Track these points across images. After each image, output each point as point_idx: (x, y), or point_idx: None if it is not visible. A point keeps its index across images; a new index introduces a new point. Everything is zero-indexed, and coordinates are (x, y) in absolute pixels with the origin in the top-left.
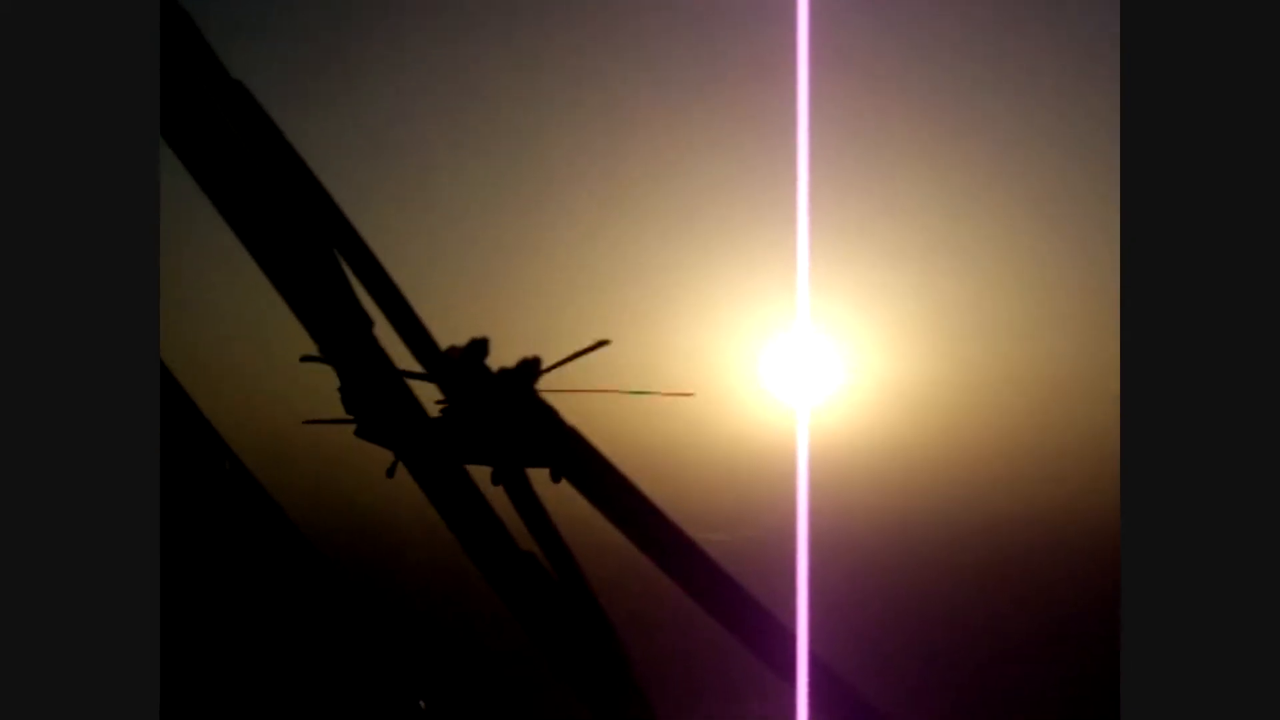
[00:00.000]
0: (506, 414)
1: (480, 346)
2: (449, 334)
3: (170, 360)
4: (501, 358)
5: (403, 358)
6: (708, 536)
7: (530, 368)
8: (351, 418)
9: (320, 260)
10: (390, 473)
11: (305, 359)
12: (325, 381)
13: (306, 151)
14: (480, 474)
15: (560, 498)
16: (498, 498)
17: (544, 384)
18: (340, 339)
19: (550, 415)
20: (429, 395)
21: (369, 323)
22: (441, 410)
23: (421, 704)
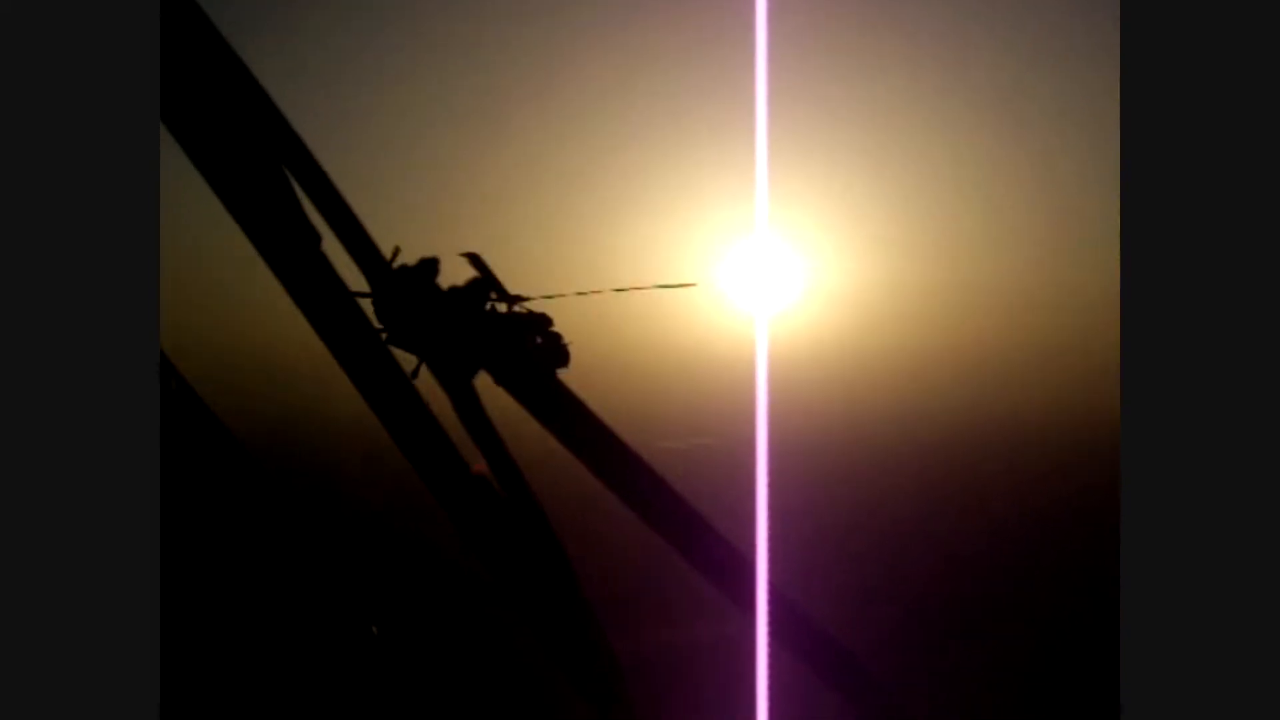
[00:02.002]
0: (455, 333)
1: (430, 265)
2: (406, 241)
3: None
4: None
5: (353, 273)
6: (661, 444)
7: (481, 286)
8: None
9: (268, 175)
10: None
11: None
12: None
13: (257, 65)
14: (435, 402)
15: (522, 428)
16: (453, 425)
17: (547, 290)
18: (288, 253)
19: (507, 336)
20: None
21: (317, 238)
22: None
23: (374, 629)
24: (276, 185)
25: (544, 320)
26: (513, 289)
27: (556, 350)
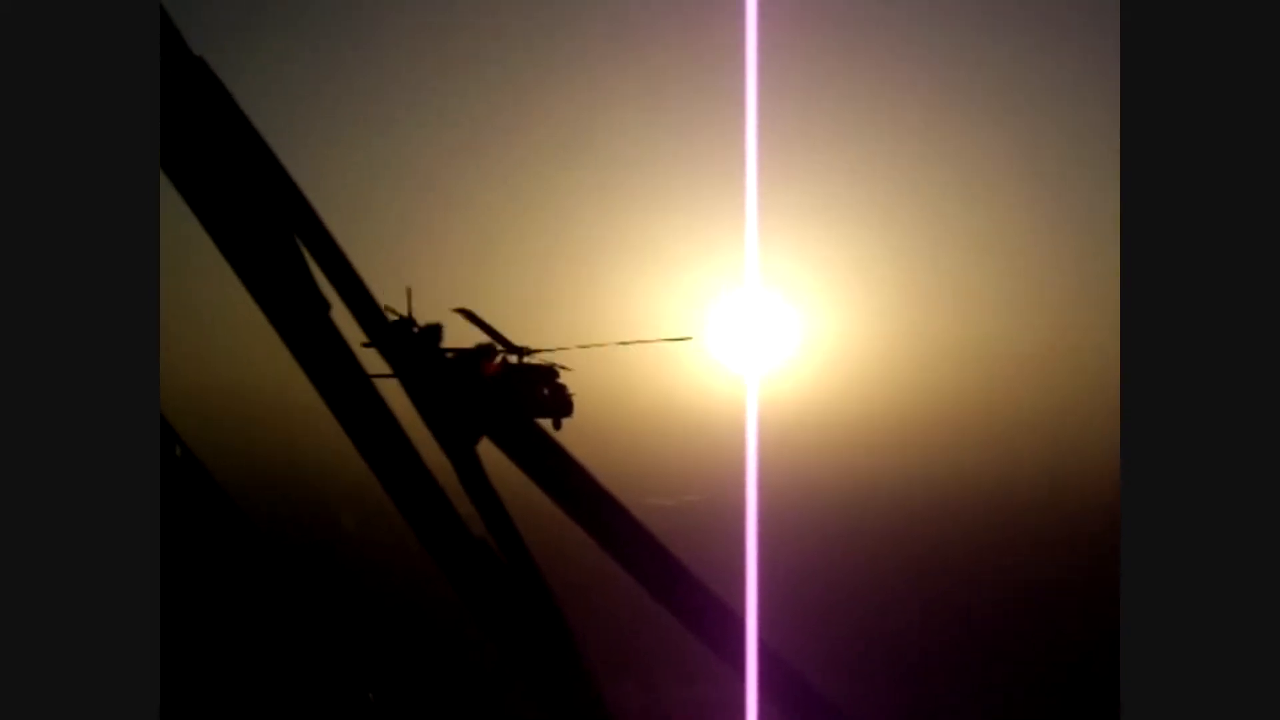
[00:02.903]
0: (459, 396)
1: (434, 332)
2: (398, 283)
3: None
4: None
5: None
6: (650, 501)
7: (483, 353)
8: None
9: (279, 244)
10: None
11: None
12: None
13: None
14: (435, 462)
15: (517, 490)
16: (451, 486)
17: (544, 344)
18: (297, 321)
19: (504, 400)
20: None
21: (326, 305)
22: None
23: (370, 696)
24: (287, 254)
25: (552, 373)
26: (505, 337)
27: (563, 401)
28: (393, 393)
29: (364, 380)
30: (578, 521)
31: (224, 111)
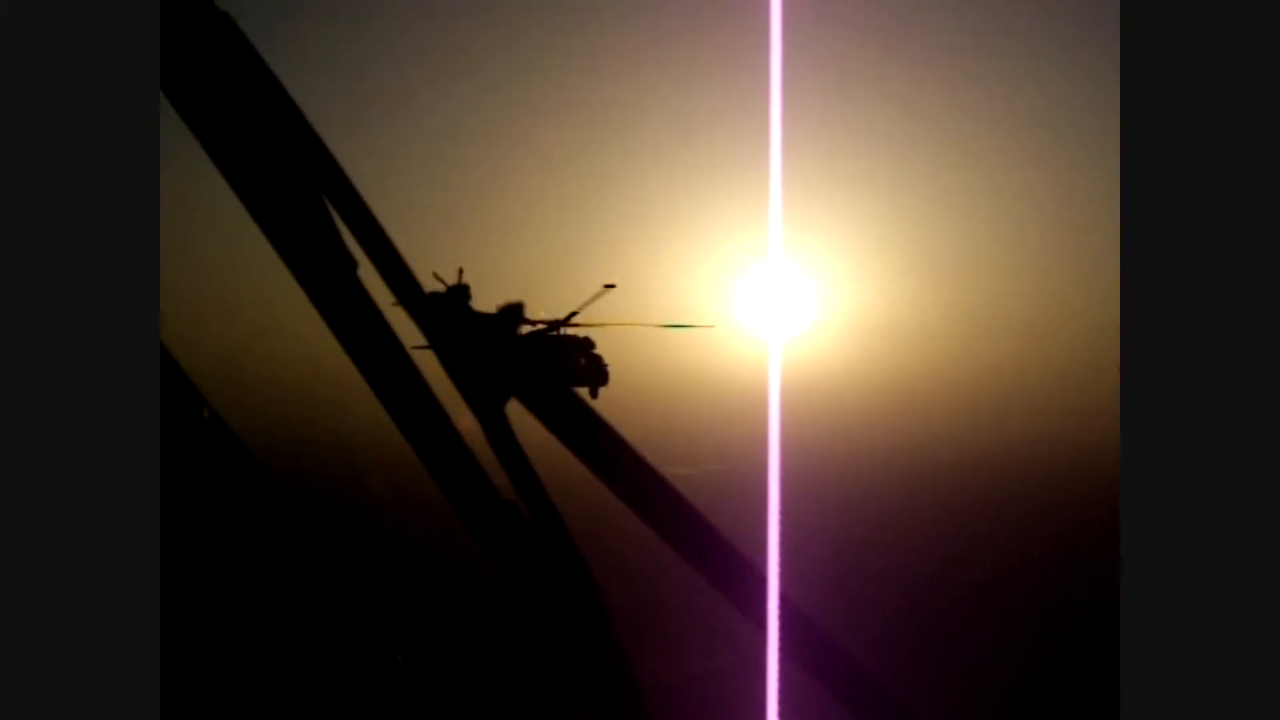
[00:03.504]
0: (489, 357)
1: (462, 292)
2: (432, 265)
3: (166, 334)
4: (488, 293)
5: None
6: (672, 470)
7: (513, 313)
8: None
9: (307, 203)
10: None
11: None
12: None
13: (288, 79)
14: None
15: (543, 449)
16: (482, 451)
17: (572, 321)
18: (325, 280)
19: (533, 357)
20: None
21: (354, 264)
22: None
23: (399, 659)
24: (315, 213)
25: (588, 343)
26: (528, 307)
27: (599, 370)
28: (422, 354)
29: (392, 340)
30: (607, 484)
31: (251, 68)
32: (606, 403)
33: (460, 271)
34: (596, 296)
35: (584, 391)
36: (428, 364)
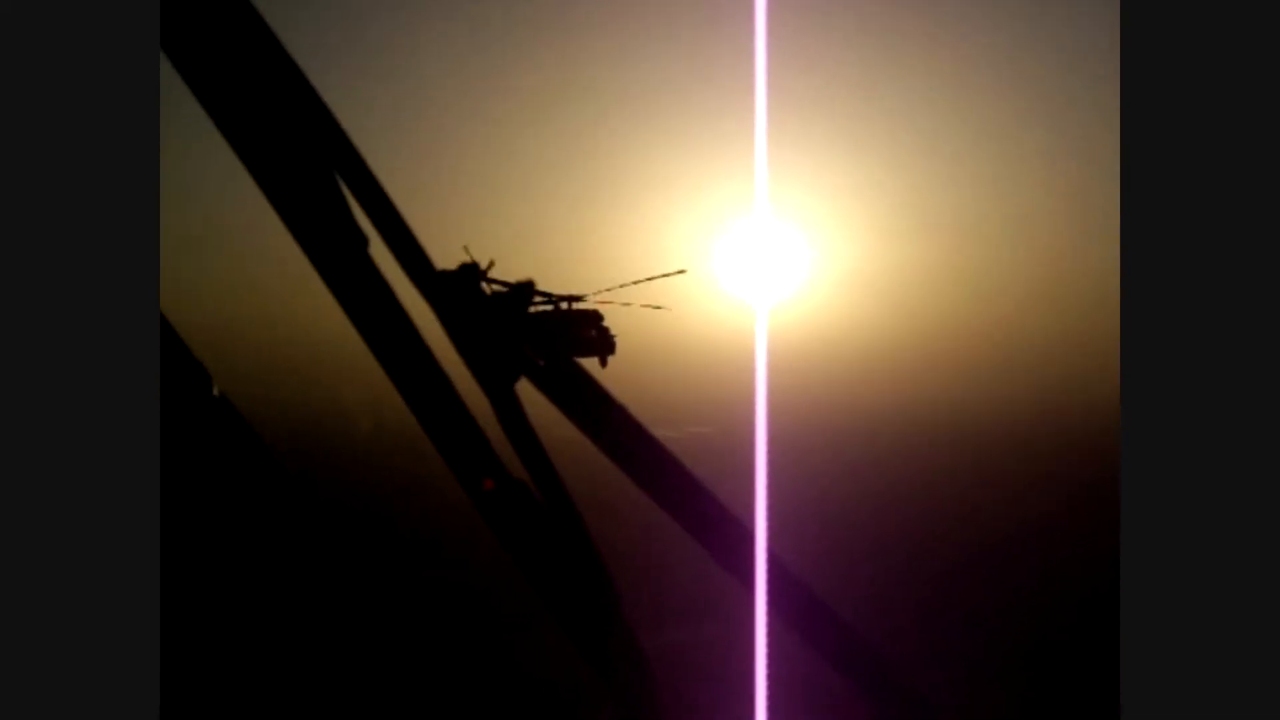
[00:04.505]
0: (498, 336)
1: (472, 270)
2: (436, 225)
3: (167, 300)
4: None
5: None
6: (659, 433)
7: (523, 291)
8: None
9: (319, 179)
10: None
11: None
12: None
13: (302, 60)
14: (474, 402)
15: (551, 424)
16: (491, 426)
17: (551, 285)
18: (335, 256)
19: (544, 339)
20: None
21: (364, 240)
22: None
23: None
24: (327, 190)
25: (596, 316)
26: (505, 276)
27: (607, 341)
28: (432, 331)
29: (403, 317)
30: (615, 460)
31: (265, 46)
32: (591, 363)
33: (465, 249)
34: (622, 285)
35: (594, 362)
36: (438, 339)
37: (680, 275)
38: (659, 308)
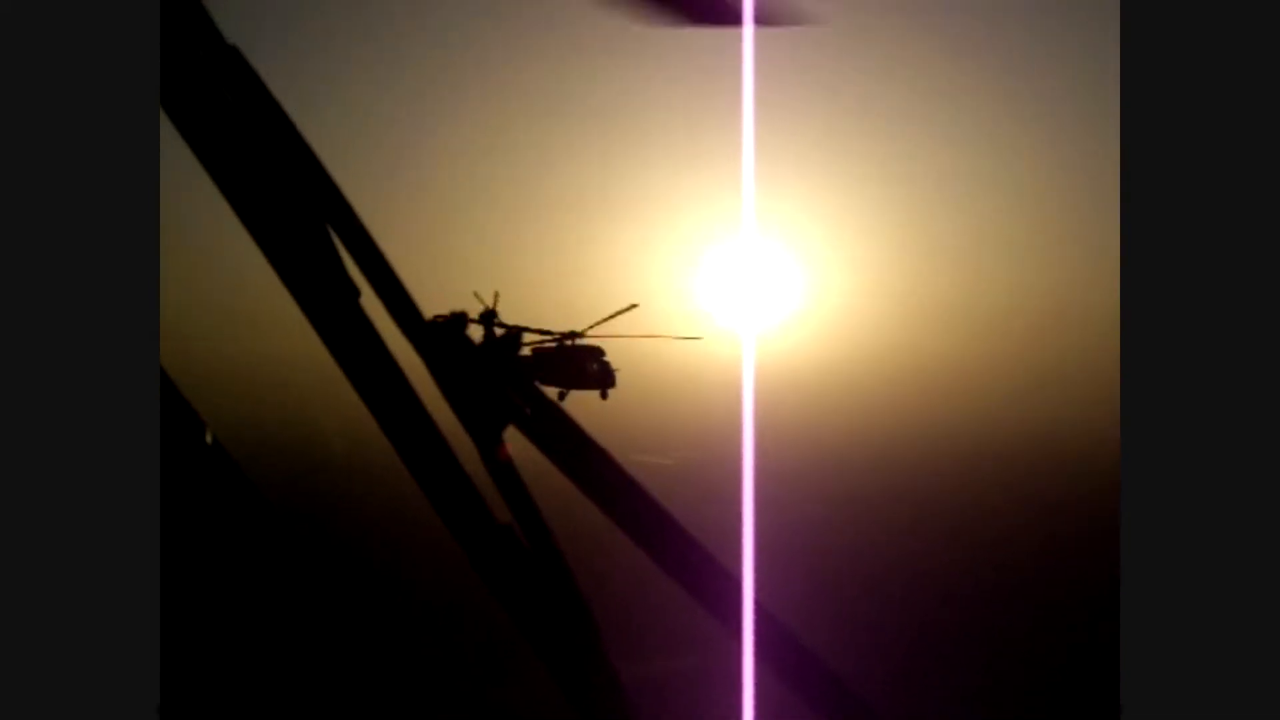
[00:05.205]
0: (486, 385)
1: (459, 321)
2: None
3: (166, 355)
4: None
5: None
6: (642, 459)
7: (512, 339)
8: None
9: (311, 232)
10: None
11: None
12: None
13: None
14: (460, 446)
15: (537, 471)
16: (477, 473)
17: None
18: (327, 308)
19: (527, 382)
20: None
21: (355, 292)
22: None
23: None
24: (318, 241)
25: (599, 351)
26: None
27: (608, 374)
28: (422, 379)
29: (392, 366)
30: (602, 508)
31: (258, 100)
32: (578, 398)
33: (476, 294)
34: (619, 313)
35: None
36: (427, 387)
37: (679, 305)
38: (656, 336)
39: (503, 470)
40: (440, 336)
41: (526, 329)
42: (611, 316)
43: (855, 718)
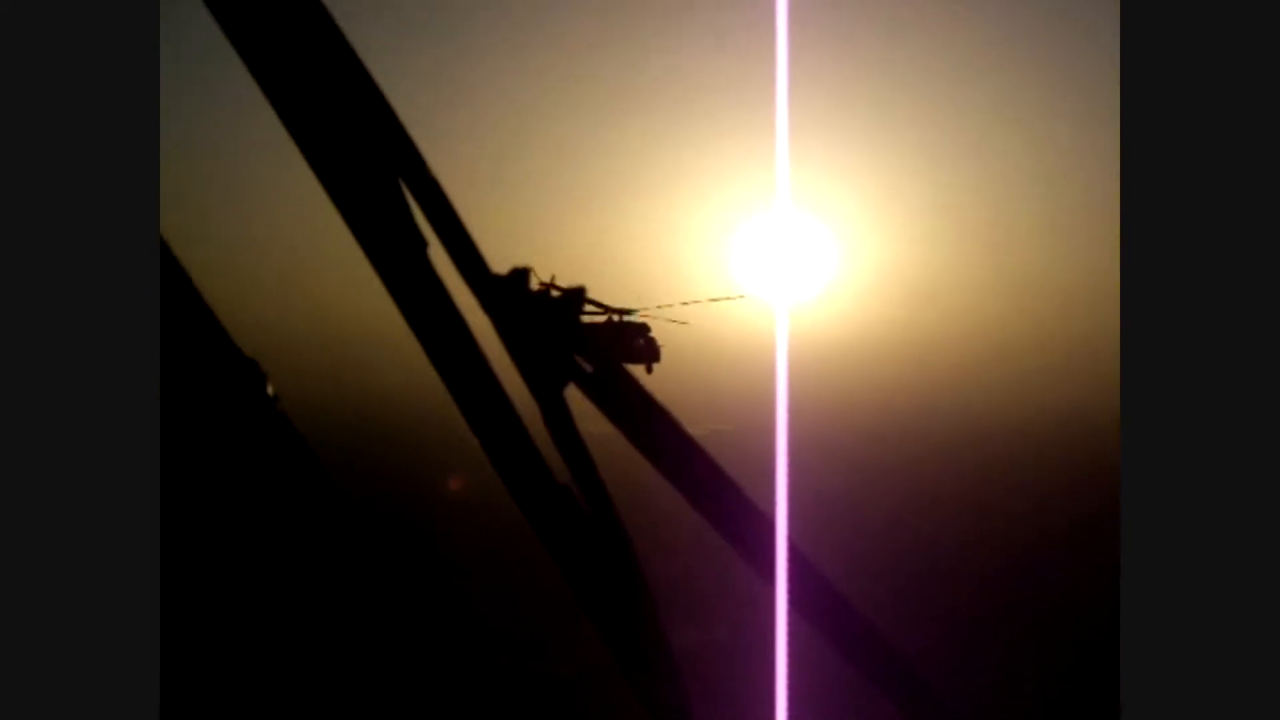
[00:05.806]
0: (550, 342)
1: (522, 275)
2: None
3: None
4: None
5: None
6: (704, 427)
7: (575, 298)
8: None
9: (383, 182)
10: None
11: None
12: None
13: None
14: (522, 406)
15: (598, 435)
16: (538, 432)
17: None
18: (395, 259)
19: (584, 338)
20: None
21: (424, 244)
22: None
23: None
24: (389, 192)
25: (644, 327)
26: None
27: (653, 349)
28: (488, 336)
29: (457, 320)
30: (662, 472)
31: (333, 47)
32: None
33: (554, 278)
34: (668, 306)
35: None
36: (492, 343)
37: (712, 278)
38: (669, 306)
39: (564, 430)
40: (506, 290)
41: (585, 292)
42: (661, 307)
43: (887, 668)
